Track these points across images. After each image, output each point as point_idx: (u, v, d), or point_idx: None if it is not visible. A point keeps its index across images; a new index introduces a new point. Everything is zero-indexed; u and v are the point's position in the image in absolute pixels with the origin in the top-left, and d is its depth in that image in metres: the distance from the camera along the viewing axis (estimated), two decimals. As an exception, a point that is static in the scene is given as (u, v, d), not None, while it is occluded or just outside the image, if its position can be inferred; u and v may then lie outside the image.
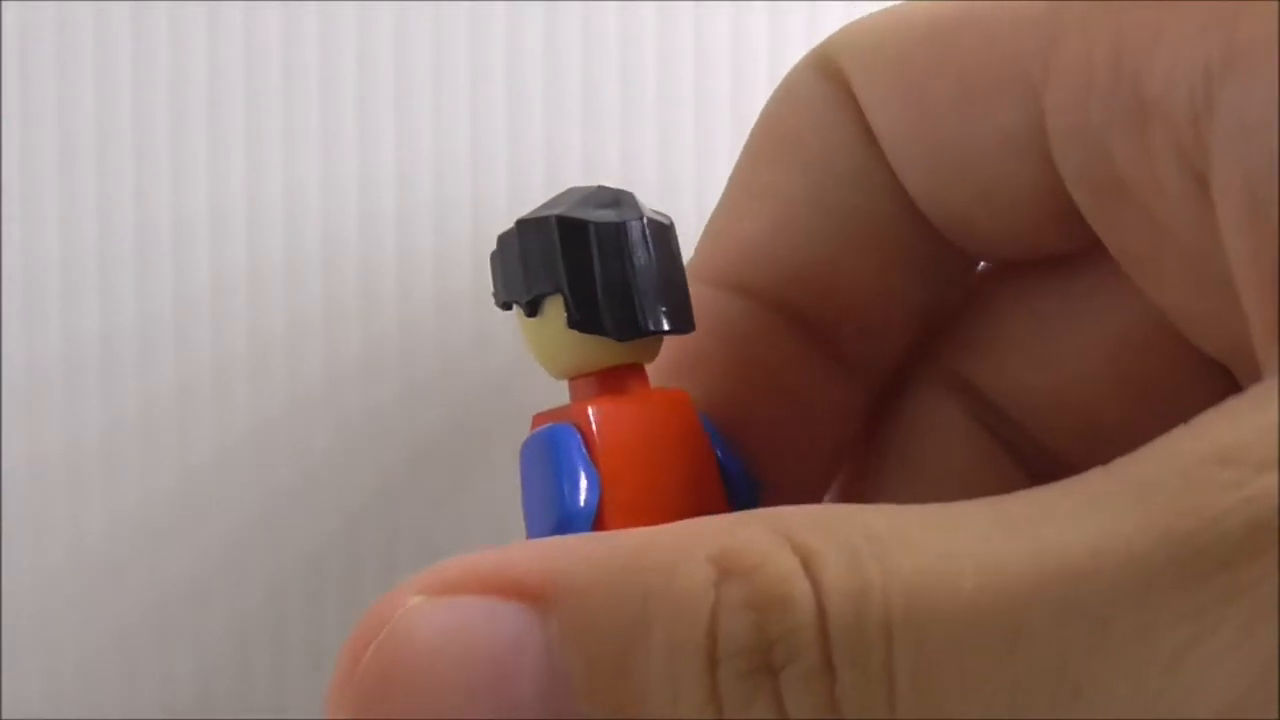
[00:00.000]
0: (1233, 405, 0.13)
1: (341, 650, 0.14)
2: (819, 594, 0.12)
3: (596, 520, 0.16)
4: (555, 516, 0.16)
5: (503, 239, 0.16)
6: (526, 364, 0.32)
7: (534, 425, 0.17)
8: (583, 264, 0.16)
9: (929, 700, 0.12)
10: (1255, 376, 0.13)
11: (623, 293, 0.16)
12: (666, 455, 0.16)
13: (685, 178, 0.31)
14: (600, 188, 0.17)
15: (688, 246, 0.18)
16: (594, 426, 0.16)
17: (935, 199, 0.17)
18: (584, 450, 0.16)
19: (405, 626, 0.14)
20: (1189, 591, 0.11)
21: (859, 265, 0.18)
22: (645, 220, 0.16)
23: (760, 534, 0.13)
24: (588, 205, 0.16)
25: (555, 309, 0.16)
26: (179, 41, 0.31)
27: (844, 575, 0.12)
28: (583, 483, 0.16)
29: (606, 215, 0.16)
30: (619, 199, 0.17)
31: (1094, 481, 0.13)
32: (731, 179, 0.19)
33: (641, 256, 0.16)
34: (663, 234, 0.17)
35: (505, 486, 0.30)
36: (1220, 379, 0.17)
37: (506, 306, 0.17)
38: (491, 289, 0.17)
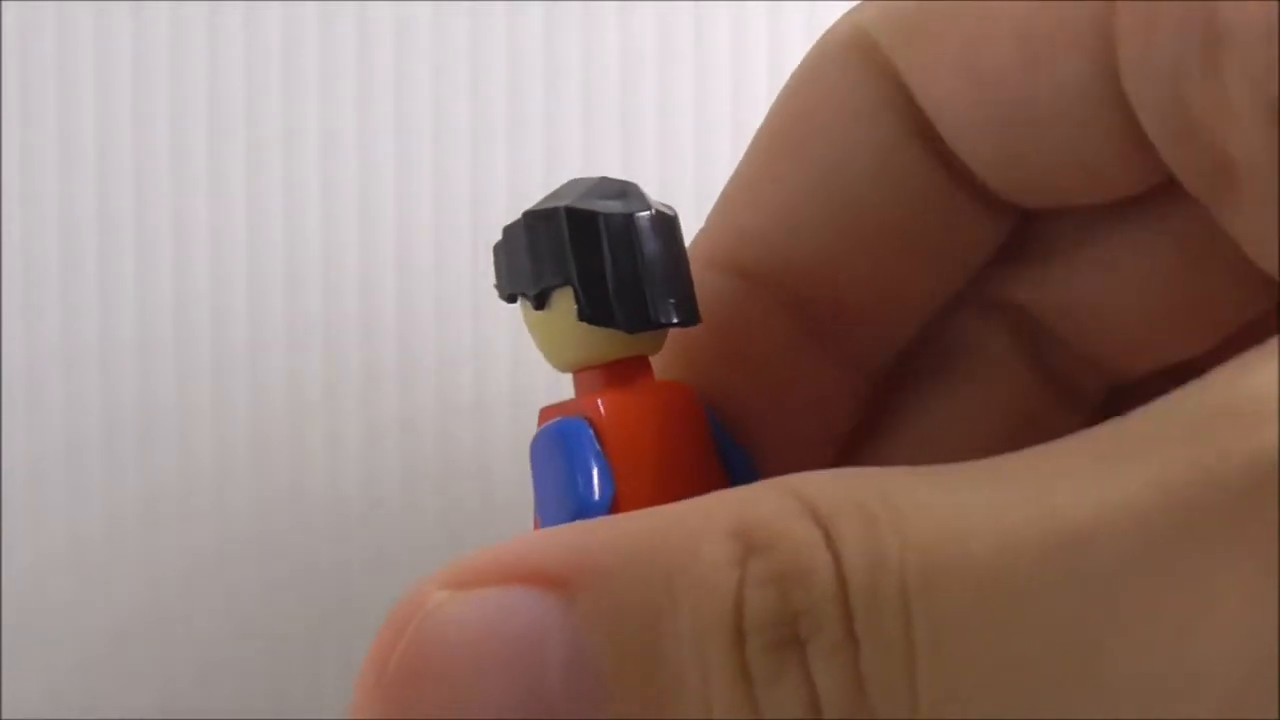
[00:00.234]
0: (1247, 358, 0.13)
1: (371, 649, 0.14)
2: (839, 565, 0.13)
3: (611, 512, 0.16)
4: (571, 510, 0.16)
5: (509, 230, 0.16)
6: (524, 371, 0.31)
7: (542, 419, 0.17)
8: (593, 256, 0.16)
9: (947, 669, 0.12)
10: None
11: (633, 284, 0.16)
12: (675, 446, 0.16)
13: (685, 178, 0.31)
14: (604, 179, 0.17)
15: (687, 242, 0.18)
16: (605, 419, 0.16)
17: (1002, 164, 0.17)
18: (596, 443, 0.16)
19: (432, 623, 0.14)
20: (1193, 555, 0.11)
21: (868, 260, 0.18)
22: (654, 211, 0.16)
23: (779, 505, 0.13)
24: (595, 196, 0.16)
25: (564, 301, 0.16)
26: (179, 42, 0.31)
27: (862, 544, 0.13)
28: (596, 475, 0.16)
29: (615, 206, 0.16)
30: (625, 190, 0.17)
31: (1104, 438, 0.13)
32: (746, 160, 0.19)
33: (651, 248, 0.16)
34: (669, 225, 0.17)
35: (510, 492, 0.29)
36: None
37: (511, 299, 0.16)
38: (494, 281, 0.17)
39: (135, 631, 0.31)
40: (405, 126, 0.32)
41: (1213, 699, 0.12)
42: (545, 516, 0.16)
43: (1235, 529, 0.11)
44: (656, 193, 0.32)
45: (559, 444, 0.16)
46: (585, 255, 0.16)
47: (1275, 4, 0.14)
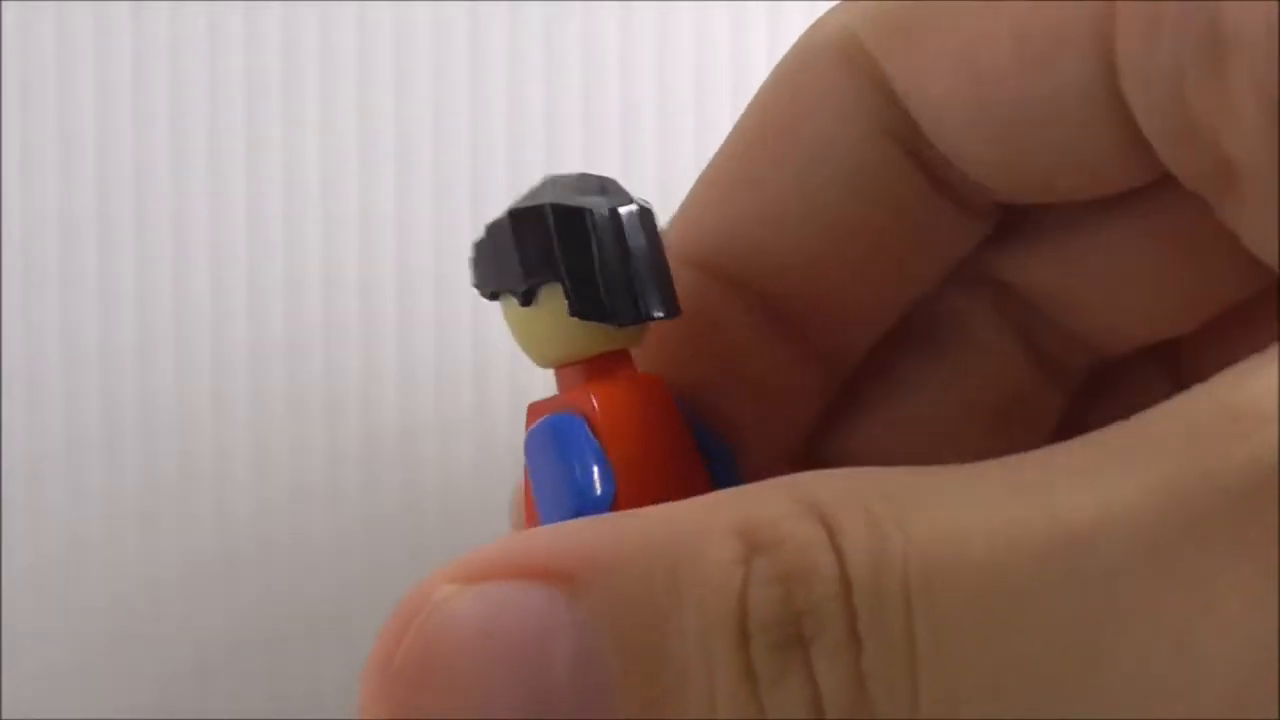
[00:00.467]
0: (1248, 364, 0.13)
1: (376, 643, 0.14)
2: (843, 564, 0.13)
3: (612, 506, 0.16)
4: (572, 506, 0.16)
5: (493, 228, 0.16)
6: (523, 372, 0.31)
7: (532, 416, 0.17)
8: (581, 251, 0.16)
9: (948, 668, 0.12)
10: None
11: (622, 279, 0.16)
12: (663, 439, 0.17)
13: (684, 178, 0.31)
14: (583, 175, 0.17)
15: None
16: (599, 413, 0.16)
17: (997, 163, 0.17)
18: (593, 438, 0.16)
19: (438, 617, 0.14)
20: (1193, 557, 0.11)
21: (841, 260, 0.18)
22: (637, 206, 0.17)
23: (785, 505, 0.13)
24: (577, 193, 0.16)
25: (552, 298, 0.16)
26: (179, 42, 0.31)
27: (866, 544, 0.13)
28: (597, 471, 0.16)
29: (600, 202, 0.16)
30: (605, 185, 0.17)
31: (1106, 441, 0.13)
32: (721, 156, 0.18)
33: (636, 241, 0.16)
34: (651, 220, 0.17)
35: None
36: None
37: (493, 296, 0.17)
38: (472, 280, 0.17)
39: (136, 632, 0.31)
40: (405, 127, 0.31)
41: (1212, 700, 0.12)
42: (545, 513, 0.16)
43: (1235, 531, 0.11)
44: (656, 192, 0.32)
45: (556, 440, 0.16)
46: (574, 251, 0.16)
47: (1277, 5, 0.14)
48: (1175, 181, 0.16)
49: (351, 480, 0.32)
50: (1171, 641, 0.12)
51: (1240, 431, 0.12)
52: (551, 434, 0.16)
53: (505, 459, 0.32)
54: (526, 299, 0.16)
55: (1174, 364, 0.20)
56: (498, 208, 0.16)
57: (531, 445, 0.16)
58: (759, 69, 0.32)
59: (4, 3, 0.31)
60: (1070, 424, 0.20)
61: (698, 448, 0.17)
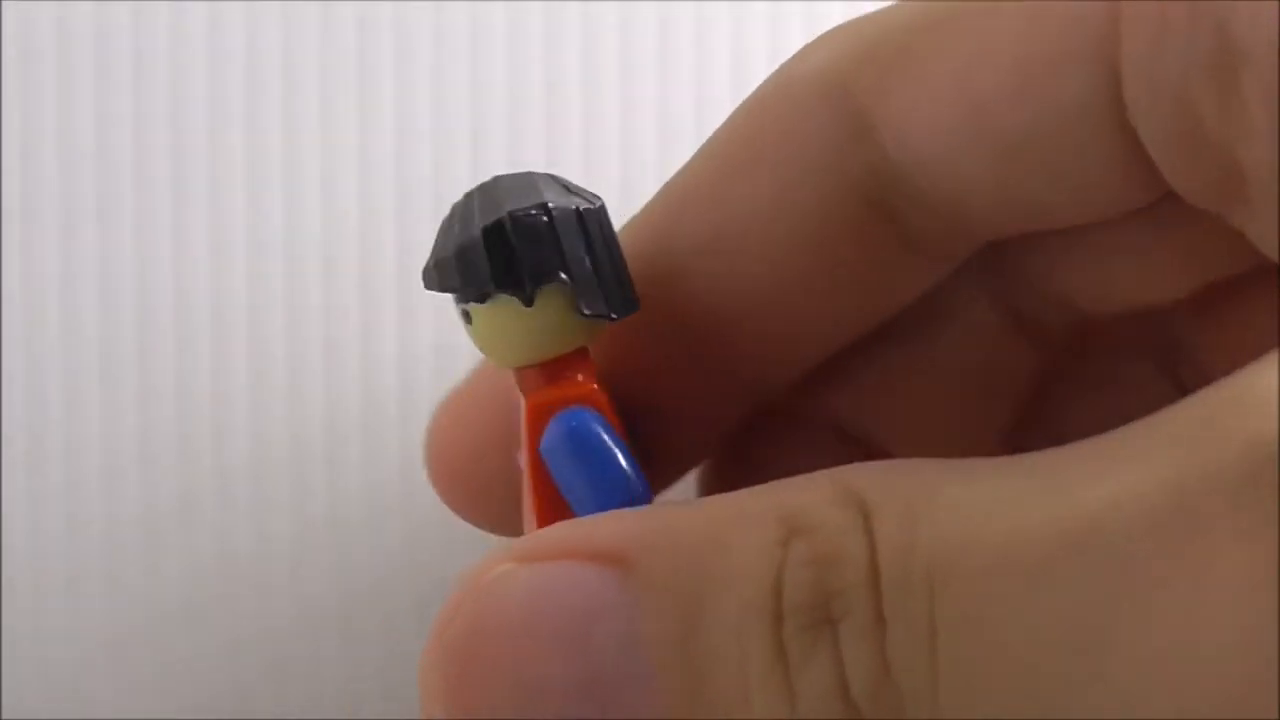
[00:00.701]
0: (1258, 364, 0.13)
1: (437, 615, 0.15)
2: (874, 550, 0.13)
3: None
4: (622, 500, 0.16)
5: (488, 231, 0.16)
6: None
7: (538, 411, 0.17)
8: (580, 249, 0.16)
9: (967, 650, 0.13)
10: None
11: (614, 274, 0.17)
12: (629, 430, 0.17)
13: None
14: (529, 173, 0.17)
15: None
16: (607, 406, 0.16)
17: (987, 193, 0.17)
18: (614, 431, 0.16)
19: (491, 593, 0.14)
20: (1197, 540, 0.12)
21: (781, 305, 0.18)
22: (602, 202, 0.17)
23: (825, 492, 0.14)
24: (550, 191, 0.17)
25: (554, 297, 0.17)
26: (179, 42, 0.31)
27: (896, 531, 0.13)
28: (634, 465, 0.17)
29: (578, 200, 0.17)
30: (564, 183, 0.17)
31: (1125, 437, 0.13)
32: (683, 175, 0.18)
33: (613, 236, 0.17)
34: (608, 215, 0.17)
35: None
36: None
37: (482, 299, 0.17)
38: (450, 285, 0.17)
39: (135, 631, 0.31)
40: (404, 127, 0.32)
41: (1212, 685, 0.12)
42: (586, 506, 0.16)
43: (1234, 517, 0.12)
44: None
45: (590, 437, 0.17)
46: (575, 250, 0.16)
47: None
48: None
49: (353, 483, 0.32)
50: (1175, 626, 0.12)
51: (1240, 422, 0.12)
52: (584, 432, 0.17)
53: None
54: (530, 299, 0.16)
55: (1158, 328, 0.20)
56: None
57: (560, 444, 0.17)
58: (759, 68, 0.32)
59: (4, 2, 0.31)
60: (1045, 387, 0.20)
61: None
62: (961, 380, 0.20)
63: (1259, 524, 0.12)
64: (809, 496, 0.14)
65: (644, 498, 0.16)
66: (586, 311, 0.17)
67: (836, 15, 0.18)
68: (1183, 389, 0.20)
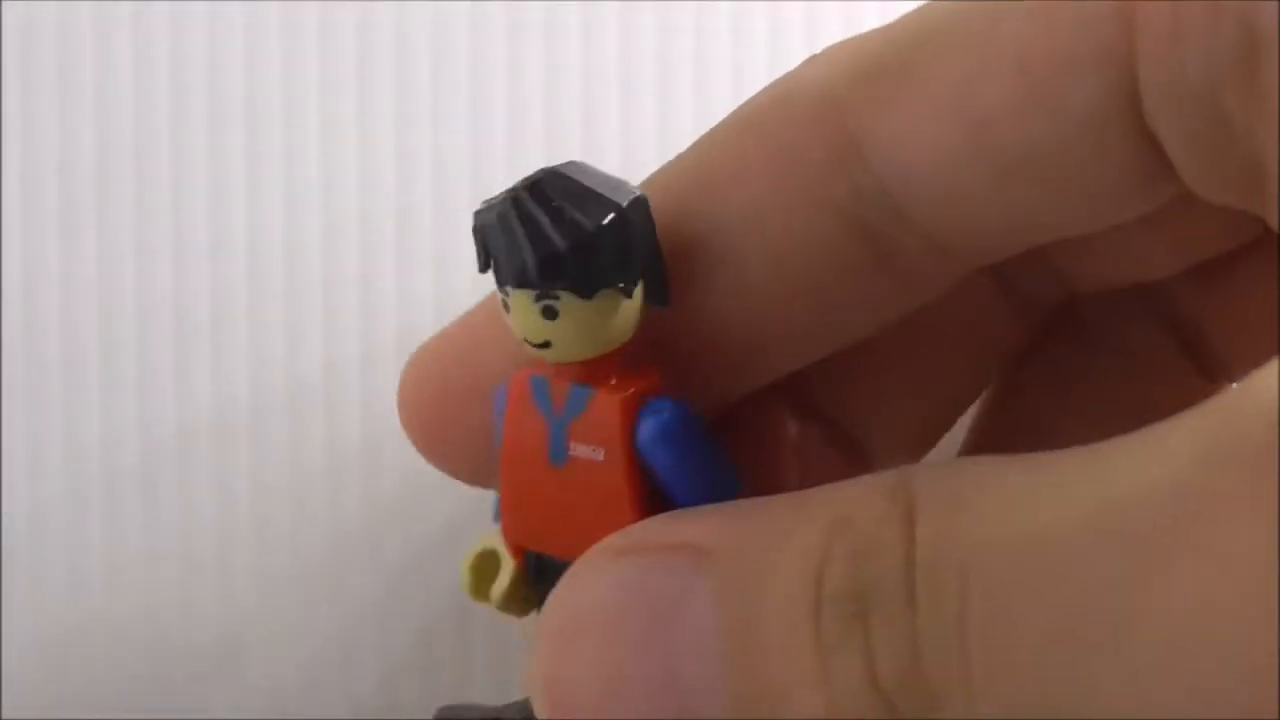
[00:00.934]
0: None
1: (542, 612, 0.16)
2: (911, 542, 0.13)
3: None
4: (722, 493, 0.17)
5: (602, 228, 0.16)
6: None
7: (627, 403, 0.17)
8: (655, 241, 0.17)
9: (998, 632, 0.13)
10: None
11: (660, 264, 0.17)
12: None
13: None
14: (574, 162, 0.17)
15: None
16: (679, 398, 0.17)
17: (989, 215, 0.17)
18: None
19: (585, 581, 0.15)
20: (1217, 520, 0.12)
21: (758, 309, 0.18)
22: None
23: (876, 488, 0.14)
24: (608, 184, 0.17)
25: (638, 288, 0.17)
26: (179, 42, 0.31)
27: (935, 524, 0.13)
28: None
29: (634, 190, 0.17)
30: (608, 177, 0.17)
31: (1157, 431, 0.13)
32: (671, 174, 0.18)
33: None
34: None
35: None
36: None
37: (592, 293, 0.17)
38: (567, 283, 0.16)
39: (135, 632, 0.31)
40: (404, 127, 0.32)
41: (1227, 657, 0.12)
42: (696, 496, 0.17)
43: (1251, 494, 0.12)
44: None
45: (697, 421, 0.17)
46: (653, 240, 0.17)
47: None
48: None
49: (354, 479, 0.32)
50: (1194, 603, 0.12)
51: (1259, 405, 0.12)
52: (691, 418, 0.17)
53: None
54: (630, 290, 0.17)
55: (1153, 305, 0.20)
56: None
57: (681, 429, 0.17)
58: (760, 68, 0.32)
59: (4, 2, 0.31)
60: (1029, 359, 0.20)
61: None
62: (941, 346, 0.20)
63: (1269, 499, 0.12)
64: (861, 492, 0.14)
65: (733, 476, 0.17)
66: (654, 302, 0.17)
67: (835, 19, 0.18)
68: (1183, 360, 0.20)
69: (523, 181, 0.17)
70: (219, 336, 0.31)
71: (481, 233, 0.17)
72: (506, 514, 0.17)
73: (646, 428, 0.17)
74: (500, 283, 0.17)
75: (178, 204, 0.31)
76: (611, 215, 0.16)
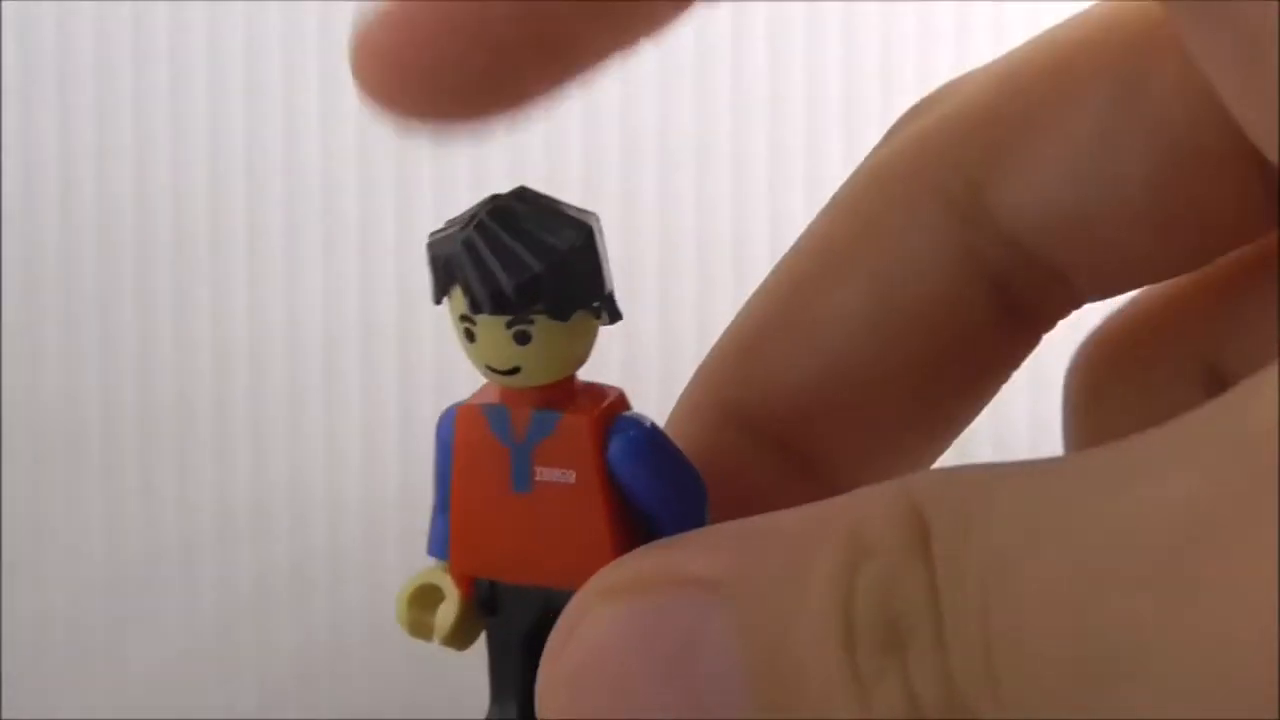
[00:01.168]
0: None
1: (545, 649, 0.15)
2: (932, 570, 0.13)
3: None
4: (696, 513, 0.17)
5: (575, 249, 0.16)
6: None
7: (595, 423, 0.17)
8: (606, 261, 0.17)
9: (1025, 665, 0.13)
10: None
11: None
12: None
13: (686, 185, 0.31)
14: (518, 188, 0.17)
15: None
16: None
17: (1119, 254, 0.17)
18: None
19: (596, 626, 0.15)
20: (1236, 538, 0.12)
21: (885, 408, 0.18)
22: None
23: (888, 508, 0.14)
24: (565, 208, 0.17)
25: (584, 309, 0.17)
26: (179, 43, 0.31)
27: (950, 547, 0.13)
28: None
29: (588, 211, 0.17)
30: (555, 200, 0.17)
31: (1175, 435, 0.13)
32: (761, 298, 0.18)
33: None
34: None
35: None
36: None
37: (567, 315, 0.17)
38: (537, 306, 0.16)
39: (135, 631, 0.32)
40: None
41: (1242, 675, 0.12)
42: (671, 519, 0.17)
43: (1254, 509, 0.12)
44: (658, 197, 0.32)
45: (670, 445, 0.17)
46: (607, 260, 0.17)
47: None
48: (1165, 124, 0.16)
49: (353, 480, 0.32)
50: (1214, 624, 0.12)
51: (1262, 421, 0.12)
52: (665, 440, 0.17)
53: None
54: (600, 310, 0.17)
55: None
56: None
57: (651, 443, 0.17)
58: (760, 68, 0.32)
59: (4, 2, 0.31)
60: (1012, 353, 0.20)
61: None
62: (940, 376, 0.20)
63: (1261, 528, 0.12)
64: (873, 510, 0.14)
65: (703, 490, 0.17)
66: (612, 320, 0.17)
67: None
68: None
69: (480, 208, 0.17)
70: (217, 338, 0.31)
71: (443, 262, 0.16)
72: (457, 543, 0.17)
73: (617, 445, 0.17)
74: (472, 311, 0.16)
75: (178, 201, 0.31)
76: (583, 236, 0.17)
